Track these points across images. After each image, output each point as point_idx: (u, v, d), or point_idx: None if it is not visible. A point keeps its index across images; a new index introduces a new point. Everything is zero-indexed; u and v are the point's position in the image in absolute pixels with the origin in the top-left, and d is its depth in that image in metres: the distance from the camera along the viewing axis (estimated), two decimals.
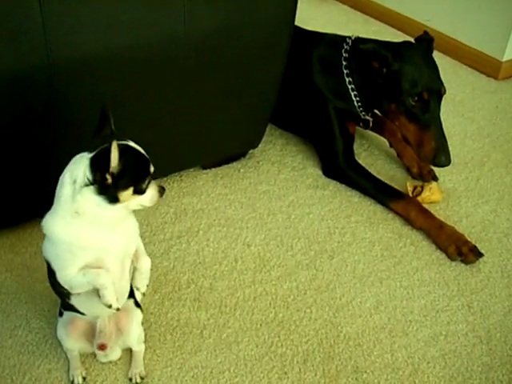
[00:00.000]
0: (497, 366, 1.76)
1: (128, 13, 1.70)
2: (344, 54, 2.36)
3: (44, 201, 1.94)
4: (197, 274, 1.95)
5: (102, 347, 1.56)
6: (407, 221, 2.24)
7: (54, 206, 1.38)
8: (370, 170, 2.40)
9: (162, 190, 1.43)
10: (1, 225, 1.98)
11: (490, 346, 1.82)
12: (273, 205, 2.28)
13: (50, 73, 1.66)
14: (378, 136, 2.65)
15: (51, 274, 1.44)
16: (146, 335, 1.66)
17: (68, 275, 1.40)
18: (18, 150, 1.79)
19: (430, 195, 2.31)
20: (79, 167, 1.32)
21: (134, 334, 1.59)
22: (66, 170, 1.35)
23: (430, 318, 1.89)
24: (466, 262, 2.09)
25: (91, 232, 1.37)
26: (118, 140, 1.31)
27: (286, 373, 1.69)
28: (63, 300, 1.52)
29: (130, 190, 1.34)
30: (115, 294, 1.40)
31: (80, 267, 1.38)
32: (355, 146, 2.49)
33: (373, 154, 2.62)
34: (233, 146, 2.40)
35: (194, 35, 1.86)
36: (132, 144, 1.37)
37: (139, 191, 1.36)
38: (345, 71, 2.36)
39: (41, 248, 1.92)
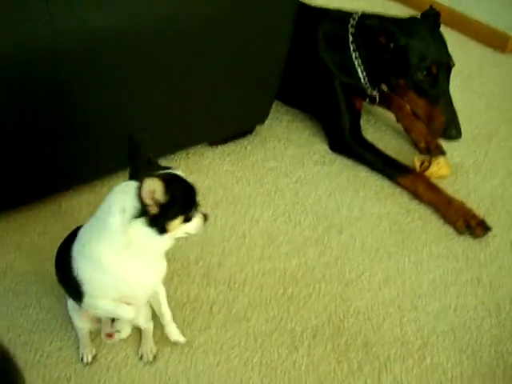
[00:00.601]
0: (506, 338, 1.76)
1: None
2: (350, 30, 2.34)
3: (50, 180, 1.97)
4: (205, 251, 1.95)
5: (109, 336, 1.58)
6: (415, 195, 2.23)
7: (100, 232, 1.35)
8: (377, 145, 2.39)
9: (205, 217, 1.41)
10: (8, 205, 1.98)
11: (499, 319, 1.82)
12: (280, 181, 2.27)
13: (55, 55, 1.65)
14: (384, 111, 2.63)
15: (71, 285, 1.43)
16: None
17: (98, 303, 1.43)
18: (23, 130, 1.79)
19: (438, 170, 2.30)
20: (128, 197, 1.29)
21: (141, 313, 1.60)
22: (113, 198, 1.33)
23: (439, 291, 1.89)
24: (474, 235, 2.09)
25: (134, 265, 1.38)
26: (157, 166, 1.35)
27: (295, 347, 1.69)
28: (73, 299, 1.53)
29: (179, 219, 1.33)
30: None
31: (112, 299, 1.42)
32: (362, 122, 2.48)
33: (380, 129, 2.61)
34: (239, 123, 2.38)
35: (198, 13, 1.85)
36: (178, 172, 1.36)
37: (187, 220, 1.35)
38: (351, 47, 2.35)
39: (48, 228, 1.96)
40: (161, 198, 1.26)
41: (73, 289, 1.44)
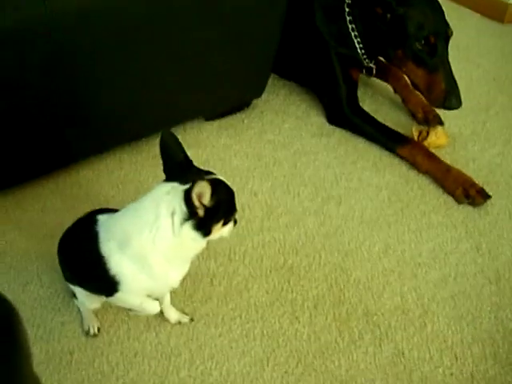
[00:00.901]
0: (505, 305, 1.77)
1: None
2: (347, 1, 2.32)
3: (48, 158, 1.96)
4: None
5: None
6: (413, 165, 2.23)
7: (151, 233, 1.34)
8: (375, 117, 2.38)
9: (235, 221, 1.44)
10: (6, 184, 1.97)
11: (498, 286, 1.83)
12: (278, 154, 2.27)
13: (49, 25, 1.64)
14: (382, 82, 2.62)
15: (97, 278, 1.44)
16: None
17: (130, 299, 1.46)
18: (18, 107, 1.78)
19: (436, 139, 2.30)
20: (176, 200, 1.30)
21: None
22: (159, 199, 1.33)
23: (439, 260, 1.90)
24: (473, 204, 2.09)
25: (174, 266, 1.42)
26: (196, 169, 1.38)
27: (297, 317, 1.70)
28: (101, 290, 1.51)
29: (221, 222, 1.35)
30: None
31: (144, 295, 1.47)
32: (359, 93, 2.47)
33: (377, 100, 2.60)
34: (236, 96, 2.37)
35: None
36: (219, 176, 1.39)
37: (225, 224, 1.37)
38: (348, 18, 2.33)
39: (47, 205, 1.96)
40: (207, 202, 1.27)
41: (101, 285, 1.45)
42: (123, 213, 1.42)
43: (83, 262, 1.47)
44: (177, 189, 1.31)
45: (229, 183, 1.38)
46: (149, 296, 1.49)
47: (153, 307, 1.51)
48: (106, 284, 1.41)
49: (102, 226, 1.41)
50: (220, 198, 1.30)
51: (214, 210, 1.30)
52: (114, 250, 1.38)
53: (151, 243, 1.34)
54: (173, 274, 1.43)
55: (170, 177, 1.36)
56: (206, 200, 1.27)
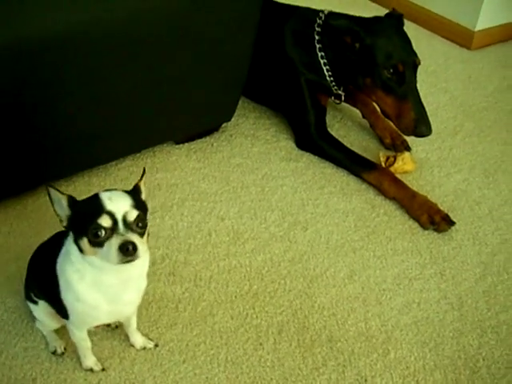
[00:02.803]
0: (467, 331, 1.79)
1: None
2: (317, 29, 2.35)
3: (15, 180, 1.96)
4: (171, 249, 1.96)
5: None
6: (380, 191, 2.26)
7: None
8: (343, 142, 2.41)
9: (125, 247, 1.22)
10: None
11: (461, 312, 1.85)
12: (246, 178, 2.28)
13: (17, 52, 1.64)
14: (350, 107, 2.65)
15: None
16: None
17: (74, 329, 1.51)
18: None
19: (403, 165, 2.33)
20: None
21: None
22: None
23: (403, 286, 1.92)
24: (438, 230, 2.12)
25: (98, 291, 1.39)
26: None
27: (261, 344, 1.70)
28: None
29: (85, 240, 1.26)
30: None
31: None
32: (328, 118, 2.50)
33: (346, 125, 2.63)
34: (205, 120, 2.39)
35: (160, 10, 1.85)
36: (103, 193, 1.28)
37: (95, 244, 1.25)
38: (317, 46, 2.36)
39: (14, 228, 1.95)
40: (65, 212, 1.29)
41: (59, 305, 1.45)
42: None
43: (46, 278, 1.46)
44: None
45: (108, 202, 1.25)
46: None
47: (90, 360, 1.57)
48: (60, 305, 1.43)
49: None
50: (76, 211, 1.28)
51: (74, 223, 1.29)
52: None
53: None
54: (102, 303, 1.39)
55: None
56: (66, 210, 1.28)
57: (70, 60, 1.77)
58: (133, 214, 1.25)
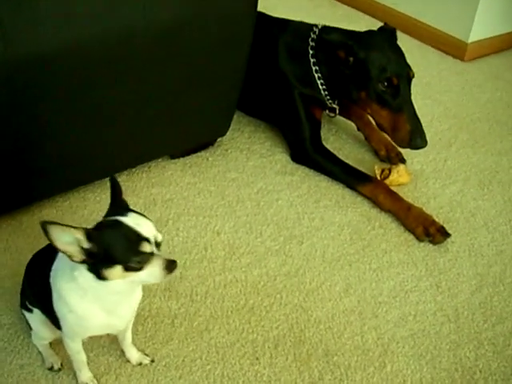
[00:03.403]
0: (464, 343, 1.79)
1: (86, 5, 1.69)
2: (311, 43, 2.36)
3: (10, 196, 1.96)
4: None
5: None
6: (375, 204, 2.26)
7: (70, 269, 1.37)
8: (338, 155, 2.41)
9: (168, 265, 1.31)
10: None
11: (457, 324, 1.85)
12: (242, 192, 2.28)
13: (9, 70, 1.65)
14: (345, 120, 2.66)
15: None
16: None
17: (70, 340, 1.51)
18: None
19: (398, 177, 2.34)
20: None
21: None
22: None
23: (399, 298, 1.92)
24: (433, 242, 2.12)
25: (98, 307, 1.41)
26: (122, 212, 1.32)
27: (257, 358, 1.70)
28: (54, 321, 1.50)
29: (117, 268, 1.28)
30: None
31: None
32: (323, 131, 2.50)
33: (340, 138, 2.64)
34: (200, 135, 2.39)
35: (153, 26, 1.85)
36: (124, 219, 1.30)
37: (132, 269, 1.28)
38: (311, 60, 2.36)
39: (9, 244, 1.95)
40: (86, 246, 1.26)
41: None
42: None
43: (40, 287, 1.47)
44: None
45: (133, 225, 1.29)
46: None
47: (86, 376, 1.58)
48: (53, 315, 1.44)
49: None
50: (103, 243, 1.27)
51: (100, 254, 1.27)
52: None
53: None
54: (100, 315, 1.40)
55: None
56: (84, 244, 1.26)
57: (63, 77, 1.77)
58: (160, 236, 1.33)
